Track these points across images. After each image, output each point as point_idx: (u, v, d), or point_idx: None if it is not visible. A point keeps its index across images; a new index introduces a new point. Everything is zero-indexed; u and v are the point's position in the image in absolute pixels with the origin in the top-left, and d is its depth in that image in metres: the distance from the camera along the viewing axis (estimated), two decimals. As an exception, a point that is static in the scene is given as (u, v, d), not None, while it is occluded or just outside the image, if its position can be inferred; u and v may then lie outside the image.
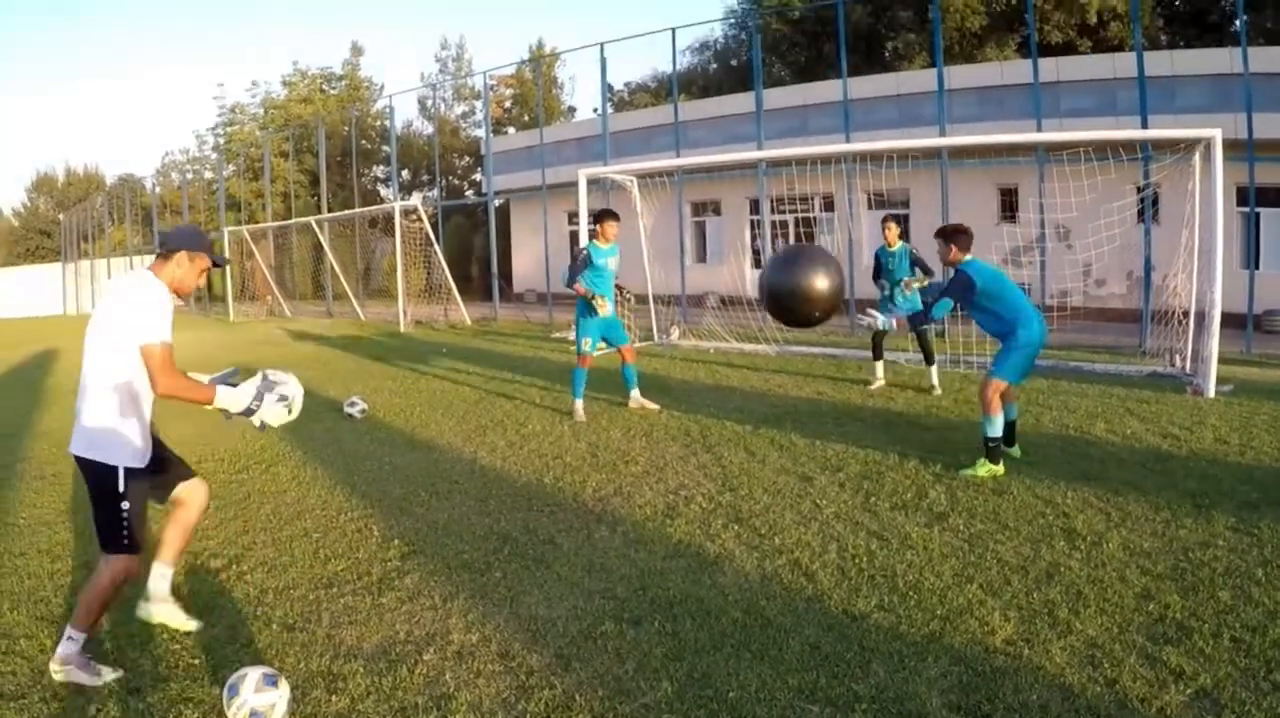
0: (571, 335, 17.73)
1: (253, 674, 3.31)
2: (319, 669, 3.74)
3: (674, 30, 20.27)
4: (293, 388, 4.04)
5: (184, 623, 4.15)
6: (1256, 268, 15.09)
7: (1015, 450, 7.01)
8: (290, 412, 4.02)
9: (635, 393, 9.52)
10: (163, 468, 4.06)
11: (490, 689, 3.53)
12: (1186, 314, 10.91)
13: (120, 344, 3.71)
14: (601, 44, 21.10)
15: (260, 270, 32.01)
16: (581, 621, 4.16)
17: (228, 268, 30.60)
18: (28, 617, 4.40)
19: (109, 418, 3.74)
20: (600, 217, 9.22)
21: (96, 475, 3.75)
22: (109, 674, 3.73)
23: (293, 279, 33.20)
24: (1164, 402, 9.15)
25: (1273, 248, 18.17)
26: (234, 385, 3.95)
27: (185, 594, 4.55)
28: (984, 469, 6.54)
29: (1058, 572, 4.62)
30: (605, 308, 9.02)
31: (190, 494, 4.18)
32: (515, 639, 3.98)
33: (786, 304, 8.14)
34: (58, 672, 3.69)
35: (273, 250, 32.97)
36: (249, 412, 3.91)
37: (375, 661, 3.81)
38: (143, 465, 3.84)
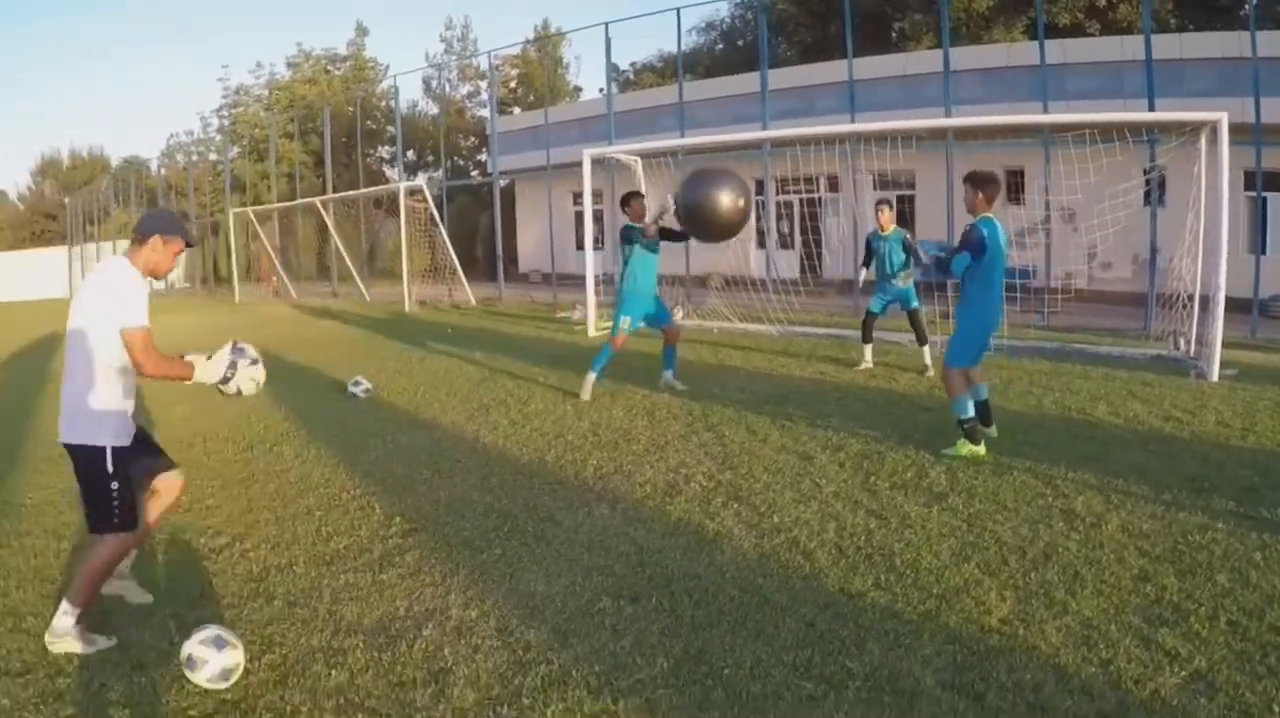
0: (576, 315, 17.83)
1: (202, 636, 3.43)
2: (319, 645, 3.77)
3: (679, 10, 20.21)
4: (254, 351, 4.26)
5: (142, 596, 4.29)
6: (1264, 252, 15.00)
7: (992, 431, 6.98)
8: (261, 374, 4.24)
9: (669, 374, 9.41)
10: (144, 455, 4.12)
11: (488, 664, 3.56)
12: (1191, 298, 10.87)
13: (100, 328, 3.77)
14: (606, 24, 21.01)
15: (265, 252, 32.00)
16: (579, 597, 4.19)
17: (233, 250, 30.67)
18: (34, 595, 4.43)
19: (92, 400, 3.80)
20: (626, 199, 9.22)
21: (84, 458, 3.82)
22: (103, 642, 3.80)
23: (297, 260, 33.19)
24: (1167, 385, 9.14)
25: (1279, 233, 18.09)
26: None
27: (187, 572, 4.62)
28: (965, 449, 6.53)
29: (1055, 553, 4.62)
30: (668, 208, 8.49)
31: (166, 486, 4.26)
32: (513, 615, 4.01)
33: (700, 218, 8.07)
34: (53, 643, 3.76)
35: (278, 232, 32.91)
36: (224, 380, 4.06)
37: (375, 636, 3.84)
38: (128, 444, 3.91)
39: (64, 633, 3.76)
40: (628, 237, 8.96)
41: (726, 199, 7.83)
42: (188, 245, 4.07)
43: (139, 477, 4.13)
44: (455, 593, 4.28)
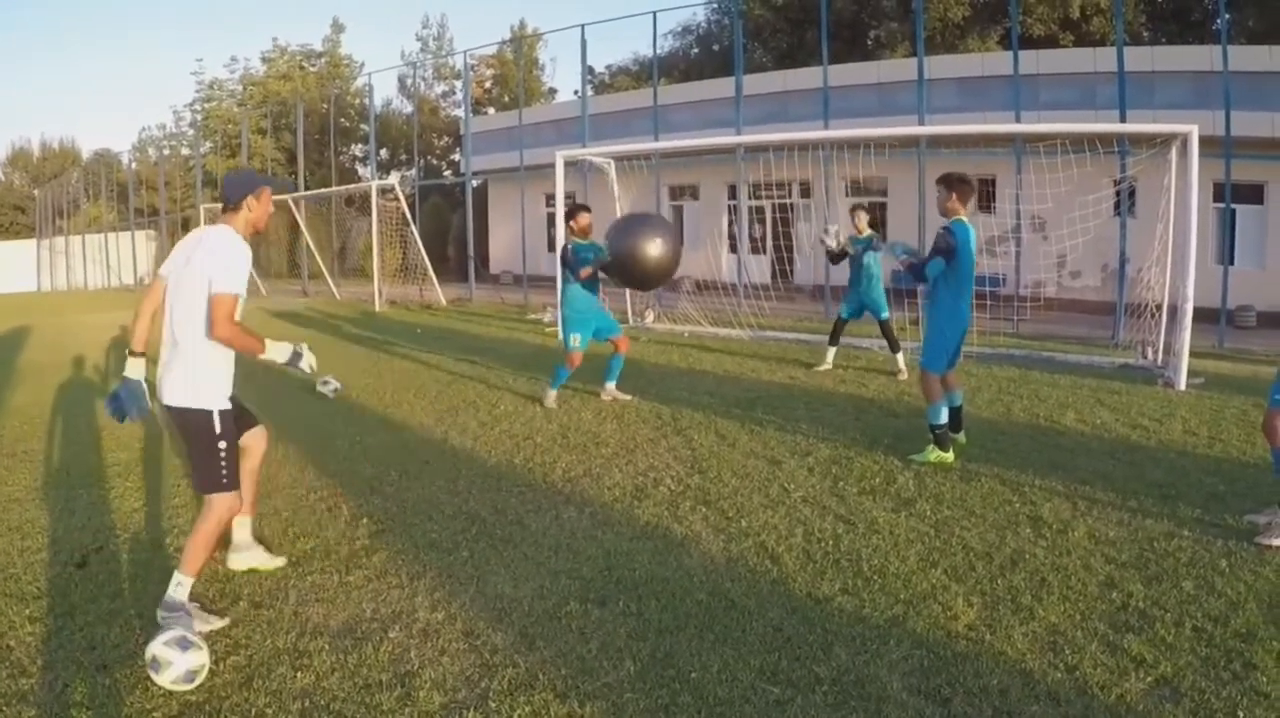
0: (547, 318, 17.79)
1: (167, 637, 3.41)
2: (285, 647, 3.72)
3: (655, 14, 20.23)
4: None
5: (272, 562, 4.62)
6: (1231, 263, 15.20)
7: (961, 438, 7.03)
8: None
9: (611, 385, 9.18)
10: (238, 415, 4.25)
11: (454, 667, 3.54)
12: (1160, 307, 10.98)
13: (202, 294, 3.85)
14: (583, 26, 21.09)
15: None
16: (547, 600, 4.17)
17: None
18: (-4, 593, 4.37)
19: (200, 365, 3.93)
20: (571, 212, 8.98)
21: (193, 422, 3.94)
22: (217, 622, 3.92)
23: (268, 257, 32.92)
24: (1135, 393, 9.23)
25: (1247, 244, 18.35)
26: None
27: (153, 572, 4.55)
28: (933, 456, 6.58)
29: (1022, 558, 4.65)
30: (586, 271, 8.66)
31: (254, 441, 4.47)
32: (480, 618, 3.98)
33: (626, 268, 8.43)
34: (165, 617, 3.80)
35: (248, 228, 32.64)
36: (297, 355, 4.27)
37: (341, 638, 3.80)
38: (230, 406, 4.02)
39: (175, 608, 3.81)
40: (567, 263, 8.80)
41: (654, 249, 8.21)
42: (278, 190, 4.28)
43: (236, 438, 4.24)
44: (422, 595, 4.25)
